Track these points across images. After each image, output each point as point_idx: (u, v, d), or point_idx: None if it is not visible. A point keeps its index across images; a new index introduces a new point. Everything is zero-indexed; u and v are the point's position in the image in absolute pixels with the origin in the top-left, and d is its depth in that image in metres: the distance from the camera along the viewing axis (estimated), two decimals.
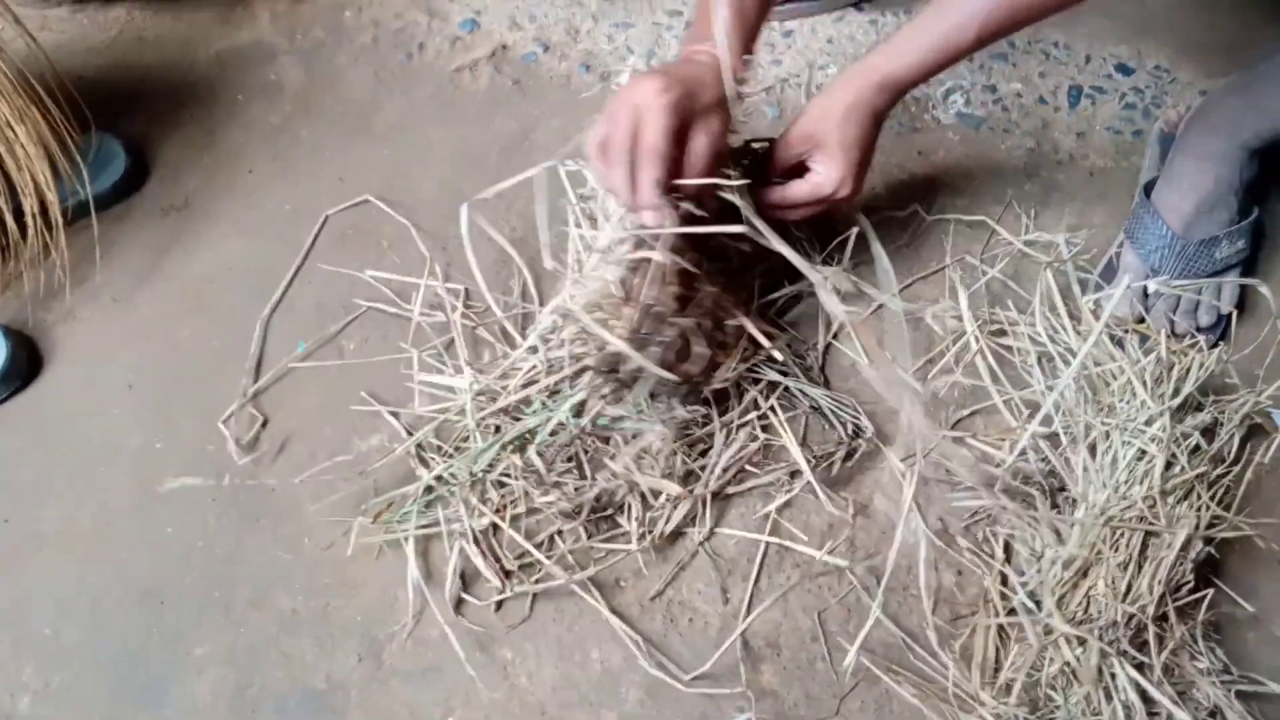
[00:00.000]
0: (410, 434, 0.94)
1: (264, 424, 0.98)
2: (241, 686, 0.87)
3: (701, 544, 0.90)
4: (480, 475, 0.90)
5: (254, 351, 1.02)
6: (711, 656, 0.85)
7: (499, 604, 0.88)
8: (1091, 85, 1.18)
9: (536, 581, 0.88)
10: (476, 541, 0.89)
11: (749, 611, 0.87)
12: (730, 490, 0.92)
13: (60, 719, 0.87)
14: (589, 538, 0.90)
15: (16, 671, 0.89)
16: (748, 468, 0.93)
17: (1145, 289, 0.96)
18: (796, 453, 0.91)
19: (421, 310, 1.02)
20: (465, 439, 0.93)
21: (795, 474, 0.92)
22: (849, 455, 0.92)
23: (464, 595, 0.88)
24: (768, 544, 0.90)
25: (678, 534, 0.90)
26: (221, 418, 0.98)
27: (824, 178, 0.87)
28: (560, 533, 0.90)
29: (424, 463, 0.93)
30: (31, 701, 0.88)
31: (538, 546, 0.89)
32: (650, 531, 0.89)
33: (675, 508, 0.89)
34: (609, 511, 0.90)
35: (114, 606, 0.91)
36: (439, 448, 0.93)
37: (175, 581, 0.91)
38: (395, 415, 0.97)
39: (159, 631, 0.90)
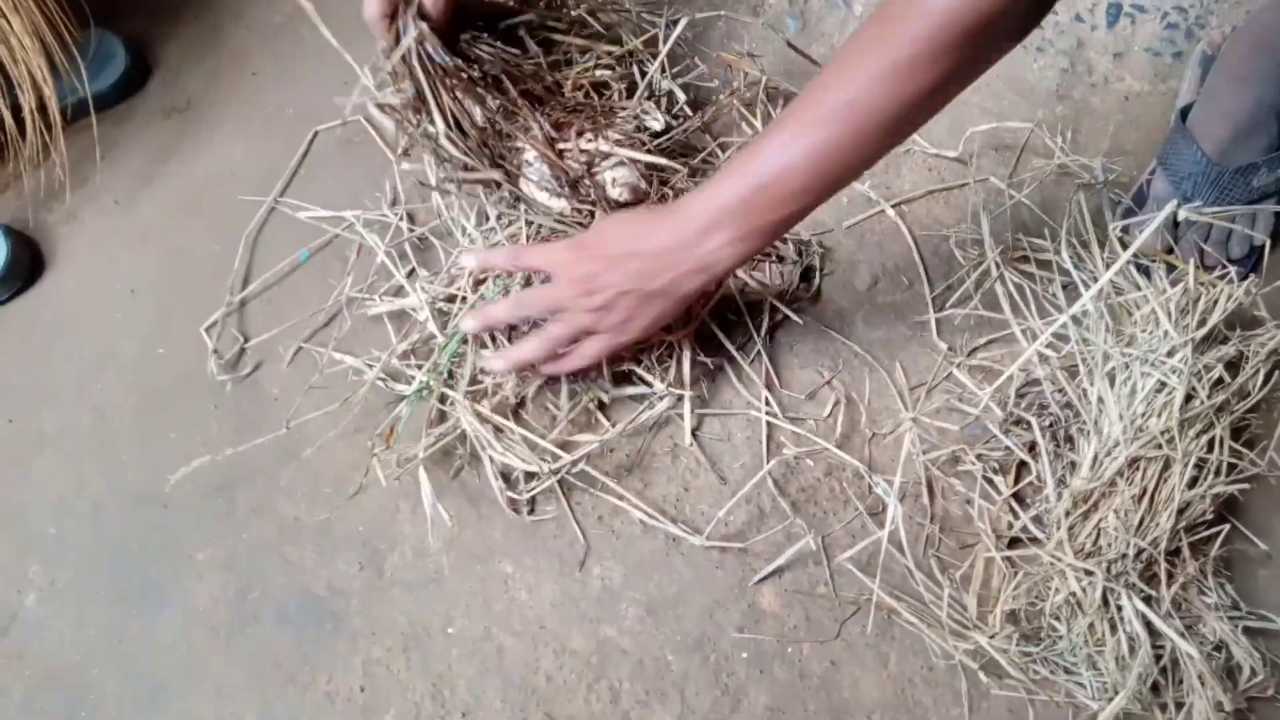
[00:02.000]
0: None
1: (245, 341, 0.97)
2: (242, 591, 0.87)
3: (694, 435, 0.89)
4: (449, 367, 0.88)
5: (237, 268, 0.99)
6: (715, 563, 0.85)
7: (515, 504, 0.87)
8: (1132, 3, 1.12)
9: (556, 473, 0.86)
10: (482, 448, 0.87)
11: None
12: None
13: (64, 616, 0.87)
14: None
15: (23, 568, 0.89)
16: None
17: (1175, 218, 0.92)
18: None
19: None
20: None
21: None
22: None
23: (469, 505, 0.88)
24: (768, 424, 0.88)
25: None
26: (204, 325, 0.97)
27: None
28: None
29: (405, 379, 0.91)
30: (37, 598, 0.88)
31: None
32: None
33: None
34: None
35: (115, 509, 0.91)
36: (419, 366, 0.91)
37: (175, 487, 0.91)
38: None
39: (160, 535, 0.90)
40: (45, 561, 0.89)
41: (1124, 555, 0.80)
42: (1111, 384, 0.85)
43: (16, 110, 1.00)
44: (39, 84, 1.00)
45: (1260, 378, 0.86)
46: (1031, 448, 0.87)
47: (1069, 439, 0.86)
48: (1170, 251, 0.93)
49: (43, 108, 1.01)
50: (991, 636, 0.80)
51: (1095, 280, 0.90)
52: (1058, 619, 0.82)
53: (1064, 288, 0.92)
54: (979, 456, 0.88)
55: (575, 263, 0.77)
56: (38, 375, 0.98)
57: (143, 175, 1.07)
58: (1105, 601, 0.81)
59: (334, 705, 0.83)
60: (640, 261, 0.74)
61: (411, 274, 0.97)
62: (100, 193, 1.06)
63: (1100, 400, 0.84)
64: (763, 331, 0.93)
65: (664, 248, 0.74)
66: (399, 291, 0.96)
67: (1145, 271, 0.91)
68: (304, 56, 1.12)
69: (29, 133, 1.01)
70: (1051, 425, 0.86)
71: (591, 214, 0.92)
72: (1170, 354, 0.84)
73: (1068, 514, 0.82)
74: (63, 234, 1.04)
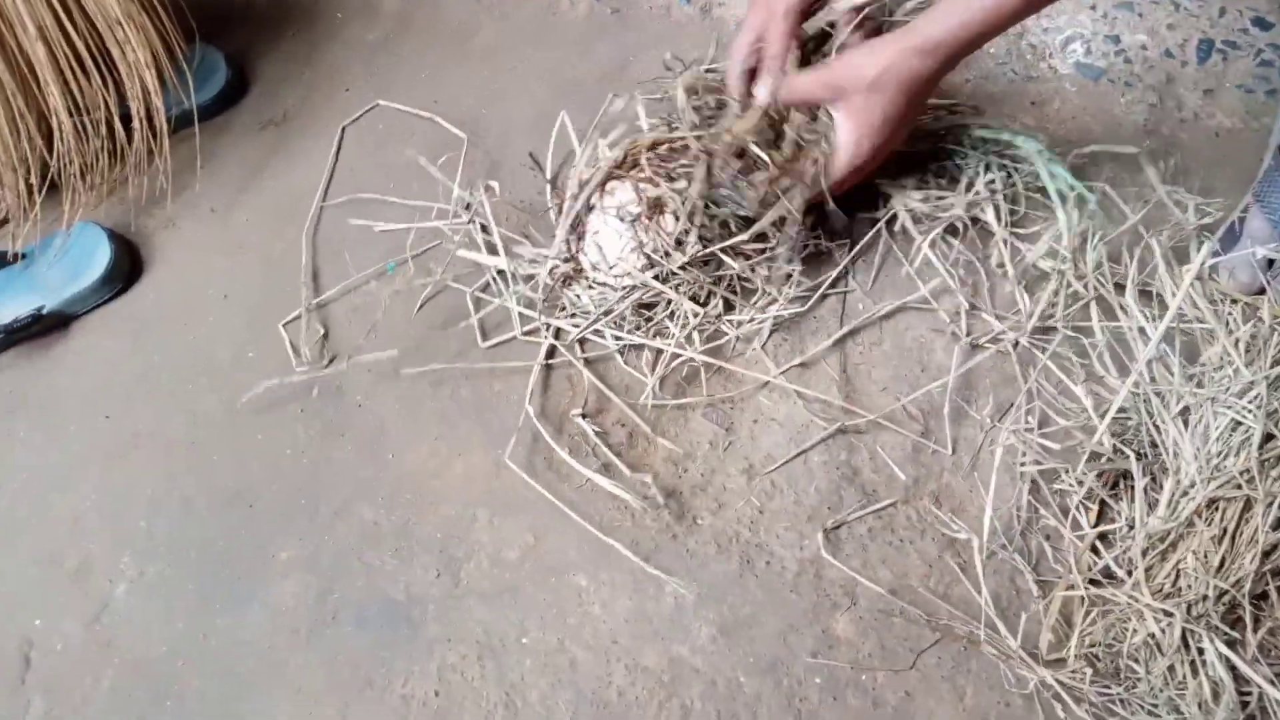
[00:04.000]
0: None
1: (325, 335, 0.99)
2: (323, 593, 0.89)
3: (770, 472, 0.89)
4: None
5: (305, 263, 1.02)
6: (788, 599, 0.85)
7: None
8: (1224, 40, 1.11)
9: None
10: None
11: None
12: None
13: (153, 608, 0.90)
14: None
15: (115, 558, 0.92)
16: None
17: (1270, 259, 0.91)
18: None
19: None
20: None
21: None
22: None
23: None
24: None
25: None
26: (284, 321, 1.00)
27: (837, 136, 0.85)
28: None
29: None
30: (127, 590, 0.91)
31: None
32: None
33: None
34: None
35: (203, 507, 0.94)
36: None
37: (263, 487, 0.94)
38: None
39: (246, 534, 0.92)
40: (136, 554, 0.93)
41: (1204, 597, 0.79)
42: (1185, 422, 0.84)
43: (126, 120, 1.05)
44: (149, 95, 1.04)
45: None
46: (1114, 485, 0.86)
47: (1150, 477, 0.85)
48: (1262, 292, 0.92)
49: (150, 117, 1.05)
50: (1071, 674, 0.79)
51: (1181, 320, 0.89)
52: (1136, 660, 0.80)
53: (1147, 321, 0.91)
54: (1079, 481, 0.86)
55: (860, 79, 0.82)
56: (134, 374, 1.02)
57: (239, 184, 1.11)
58: (1185, 644, 0.79)
59: (409, 709, 0.84)
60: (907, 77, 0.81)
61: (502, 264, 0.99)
62: (199, 200, 1.10)
63: (1176, 439, 0.83)
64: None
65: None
66: (486, 288, 0.98)
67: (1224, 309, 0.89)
68: (398, 74, 1.16)
69: (136, 141, 1.06)
70: (1137, 460, 0.84)
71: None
72: (1243, 393, 0.82)
73: (1145, 553, 0.81)
74: (162, 239, 1.09)
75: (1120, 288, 0.94)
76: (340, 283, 1.03)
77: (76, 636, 0.90)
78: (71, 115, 1.02)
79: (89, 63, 1.02)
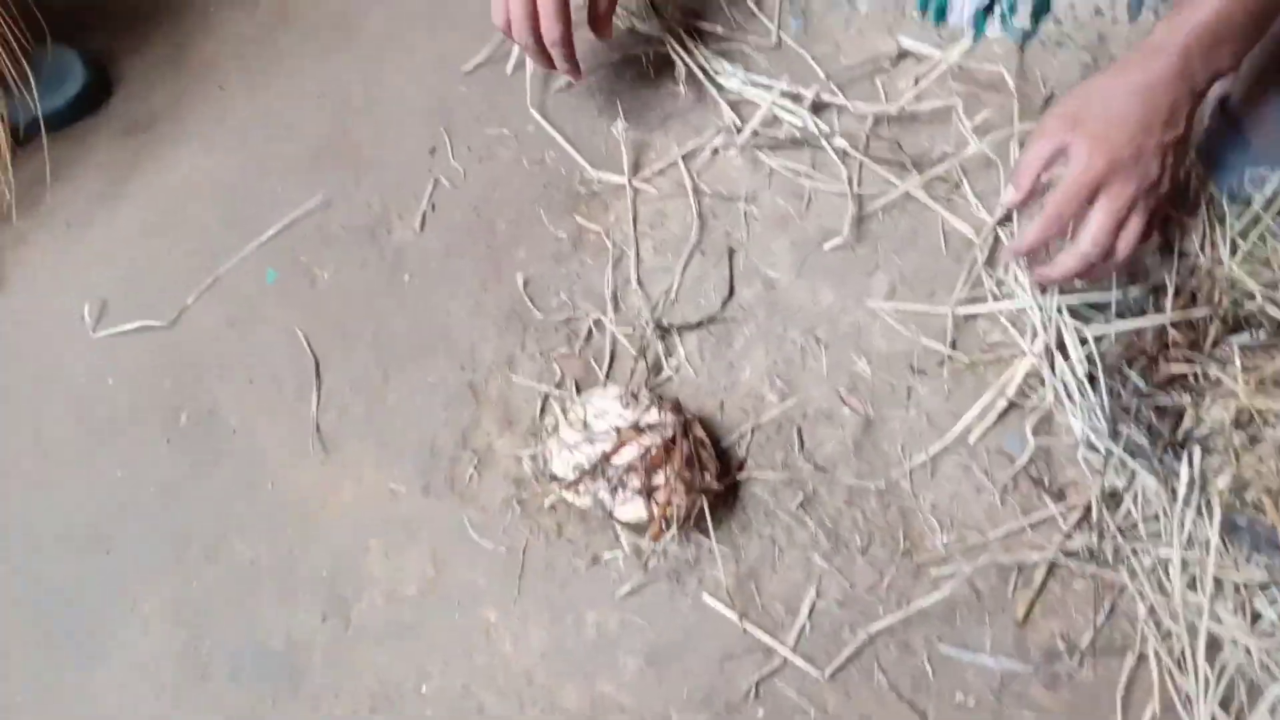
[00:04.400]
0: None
1: None
2: (190, 644, 0.77)
3: None
4: None
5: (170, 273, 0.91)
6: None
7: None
8: None
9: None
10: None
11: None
12: None
13: None
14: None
15: None
16: None
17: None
18: None
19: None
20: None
21: None
22: None
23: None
24: None
25: None
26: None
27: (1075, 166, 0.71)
28: None
29: None
30: None
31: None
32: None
33: None
34: None
35: (54, 553, 0.82)
36: None
37: (122, 528, 0.82)
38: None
39: (102, 580, 0.80)
40: None
41: None
42: None
43: None
44: None
45: None
46: None
47: None
48: None
49: None
50: None
51: None
52: None
53: None
54: None
55: (1087, 134, 0.71)
56: None
57: (99, 195, 0.99)
58: None
59: None
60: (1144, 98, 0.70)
61: None
62: (53, 215, 0.98)
63: None
64: None
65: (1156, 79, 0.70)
66: None
67: None
68: (277, 69, 1.05)
69: None
70: None
71: None
72: None
73: None
74: (10, 258, 0.96)
75: None
76: (217, 294, 0.92)
77: None
78: None
79: None
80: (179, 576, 0.79)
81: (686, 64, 0.98)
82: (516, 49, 1.00)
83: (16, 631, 0.79)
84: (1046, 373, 0.79)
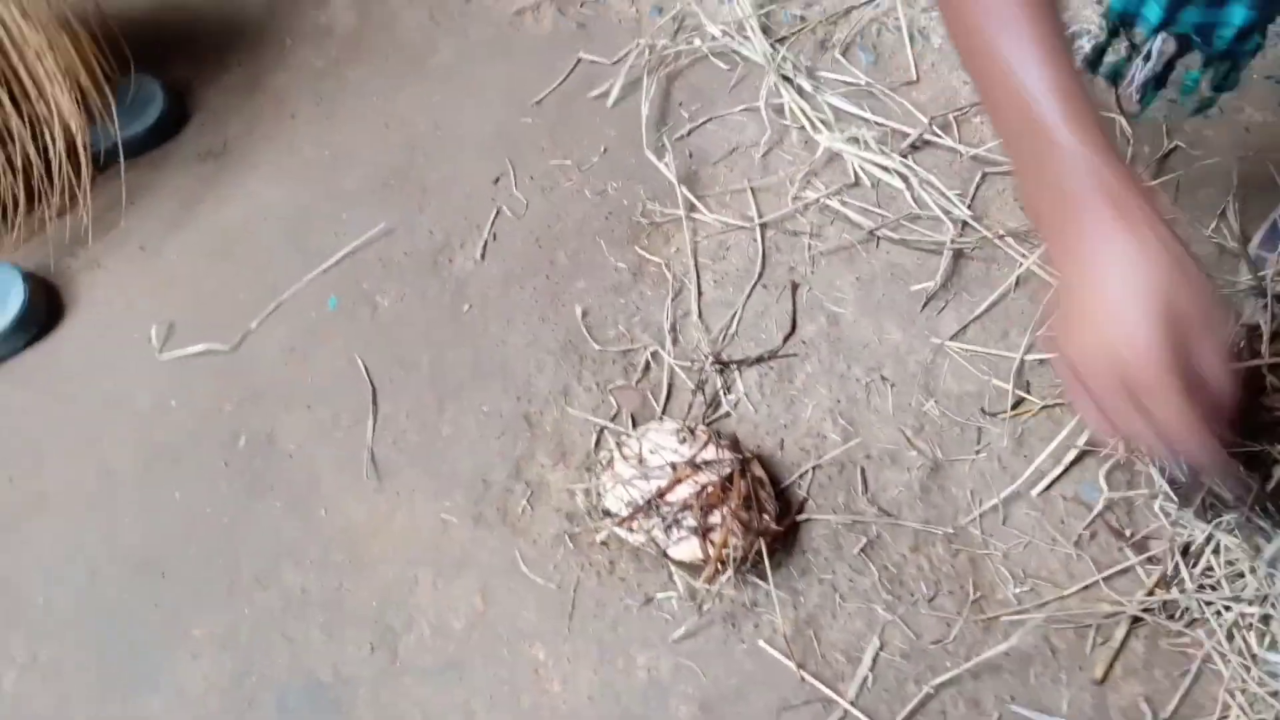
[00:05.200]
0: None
1: None
2: (239, 675, 0.76)
3: None
4: None
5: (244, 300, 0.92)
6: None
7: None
8: None
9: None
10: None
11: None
12: None
13: (44, 697, 0.77)
14: None
15: (3, 642, 0.80)
16: None
17: None
18: None
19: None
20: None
21: None
22: None
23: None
24: None
25: None
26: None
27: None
28: None
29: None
30: (16, 677, 0.79)
31: None
32: None
33: None
34: None
35: (111, 576, 0.82)
36: None
37: (177, 552, 0.82)
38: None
39: (156, 606, 0.80)
40: (30, 634, 0.80)
41: None
42: None
43: (46, 154, 0.96)
44: (69, 128, 0.96)
45: None
46: None
47: None
48: None
49: (72, 153, 0.97)
50: None
51: None
52: None
53: None
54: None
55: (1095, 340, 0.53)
56: (46, 429, 0.90)
57: (172, 220, 1.01)
58: None
59: None
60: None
61: None
62: (127, 238, 1.01)
63: None
64: None
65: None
66: None
67: None
68: (346, 99, 1.07)
69: (56, 178, 0.97)
70: None
71: None
72: None
73: None
74: (84, 281, 0.98)
75: None
76: (279, 319, 0.92)
77: None
78: None
79: (6, 96, 0.94)
80: (230, 603, 0.79)
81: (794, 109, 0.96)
82: (617, 83, 1.01)
83: (71, 653, 0.79)
84: None
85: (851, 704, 0.70)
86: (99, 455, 0.88)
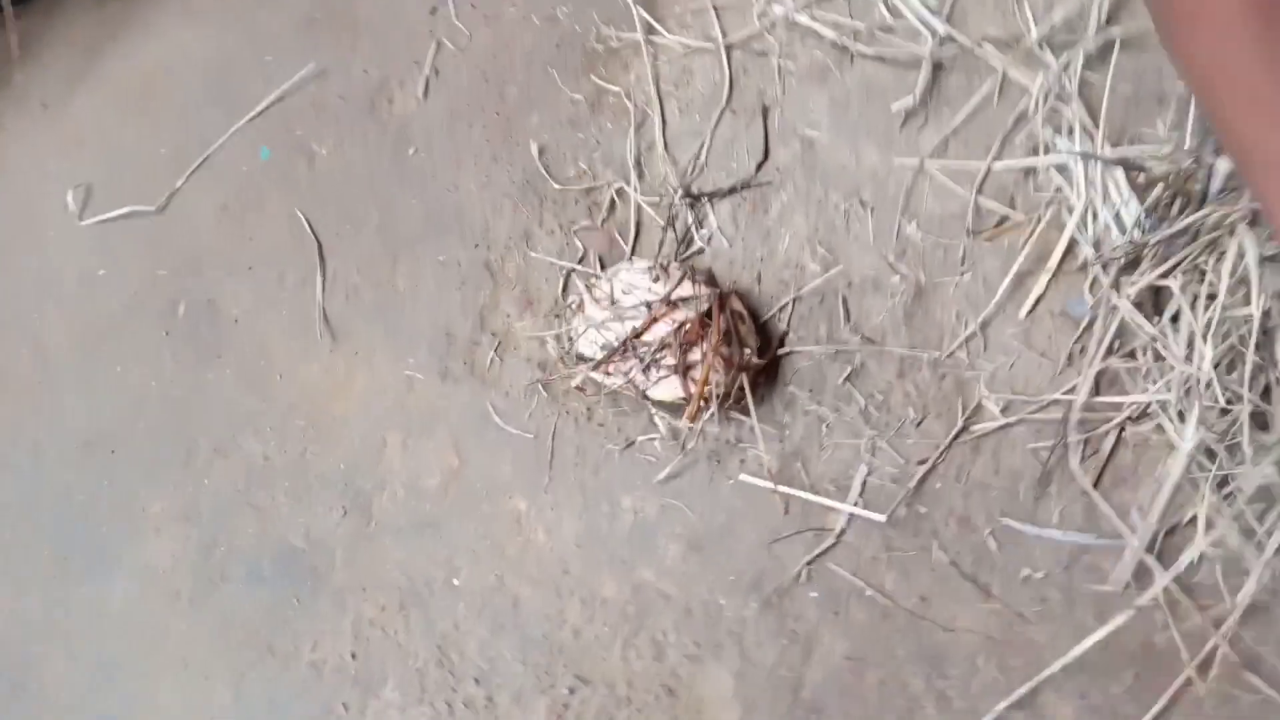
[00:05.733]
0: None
1: None
2: (206, 546, 0.73)
3: None
4: None
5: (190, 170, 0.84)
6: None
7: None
8: None
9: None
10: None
11: None
12: None
13: None
14: None
15: None
16: None
17: None
18: None
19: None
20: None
21: None
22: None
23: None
24: None
25: None
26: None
27: None
28: None
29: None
30: None
31: None
32: None
33: None
34: None
35: (56, 458, 0.77)
36: None
37: (126, 428, 0.77)
38: None
39: (109, 486, 0.76)
40: None
41: None
42: None
43: None
44: None
45: None
46: None
47: None
48: None
49: None
50: None
51: None
52: None
53: None
54: None
55: None
56: None
57: (75, 72, 0.91)
58: None
59: (321, 677, 0.69)
60: None
61: None
62: (26, 96, 0.91)
63: None
64: None
65: None
66: None
67: None
68: None
69: None
70: None
71: None
72: None
73: None
74: None
75: None
76: (208, 175, 0.85)
77: None
78: None
79: None
80: (189, 476, 0.75)
81: None
82: None
83: (25, 544, 0.75)
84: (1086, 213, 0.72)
85: (841, 532, 0.69)
86: (28, 333, 0.82)
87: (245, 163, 0.85)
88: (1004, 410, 0.71)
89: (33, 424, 0.79)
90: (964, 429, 0.71)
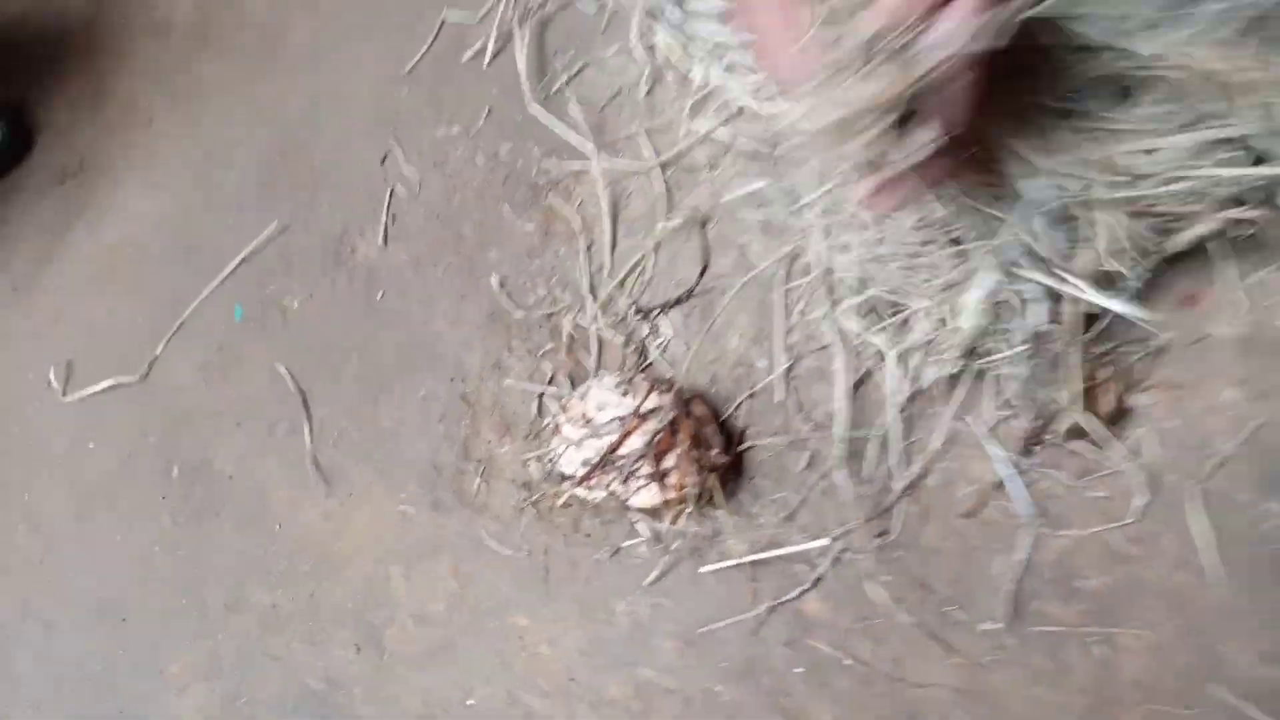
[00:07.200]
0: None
1: None
2: (229, 699, 0.77)
3: None
4: None
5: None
6: None
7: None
8: None
9: None
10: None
11: None
12: None
13: None
14: None
15: None
16: None
17: None
18: None
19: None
20: None
21: None
22: None
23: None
24: None
25: None
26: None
27: None
28: None
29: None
30: None
31: None
32: None
33: None
34: None
35: (68, 629, 0.81)
36: None
37: (134, 593, 0.81)
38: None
39: (125, 651, 0.79)
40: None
41: None
42: None
43: None
44: None
45: None
46: None
47: None
48: None
49: None
50: None
51: None
52: None
53: None
54: None
55: None
56: None
57: (41, 252, 0.96)
58: None
59: None
60: None
61: None
62: None
63: None
64: None
65: None
66: None
67: None
68: (203, 95, 1.02)
69: None
70: None
71: None
72: None
73: None
74: None
75: None
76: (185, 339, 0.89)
77: None
78: None
79: None
80: (203, 633, 0.79)
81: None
82: (489, 40, 0.96)
83: (45, 713, 0.78)
84: None
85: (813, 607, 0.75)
86: (25, 510, 0.85)
87: (221, 323, 0.90)
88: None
89: (39, 598, 0.82)
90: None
